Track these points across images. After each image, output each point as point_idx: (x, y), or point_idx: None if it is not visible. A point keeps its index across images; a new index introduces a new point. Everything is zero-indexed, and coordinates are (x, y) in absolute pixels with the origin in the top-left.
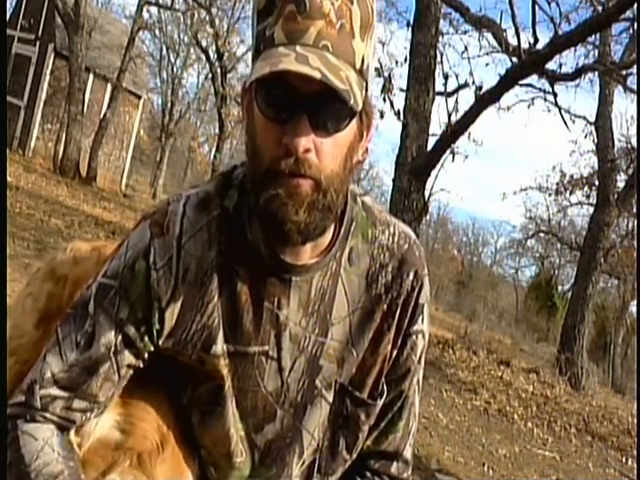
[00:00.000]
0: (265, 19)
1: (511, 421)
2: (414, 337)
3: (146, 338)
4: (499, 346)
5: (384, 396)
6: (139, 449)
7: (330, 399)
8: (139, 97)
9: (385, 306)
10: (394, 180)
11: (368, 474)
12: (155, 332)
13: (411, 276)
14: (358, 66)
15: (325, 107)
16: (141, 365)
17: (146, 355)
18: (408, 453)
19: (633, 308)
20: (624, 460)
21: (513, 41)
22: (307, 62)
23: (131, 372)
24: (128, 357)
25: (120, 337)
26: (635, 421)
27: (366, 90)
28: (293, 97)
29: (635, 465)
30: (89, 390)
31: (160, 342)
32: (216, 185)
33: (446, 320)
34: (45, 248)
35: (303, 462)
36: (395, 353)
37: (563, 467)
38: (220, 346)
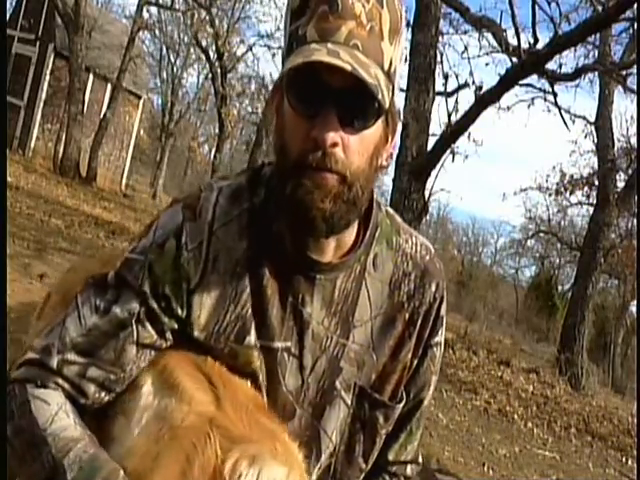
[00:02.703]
0: (298, 19)
1: (511, 421)
2: (434, 349)
3: (170, 316)
4: (499, 346)
5: (402, 402)
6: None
7: (349, 401)
8: (139, 97)
9: (407, 314)
10: (394, 180)
11: (387, 477)
12: (180, 313)
13: (433, 287)
14: (386, 68)
15: (354, 103)
16: (164, 345)
17: (169, 335)
18: (420, 456)
19: (633, 308)
20: (624, 460)
21: (513, 41)
22: (338, 56)
23: (152, 353)
24: (150, 331)
25: (144, 309)
26: (635, 421)
27: (393, 93)
28: (323, 92)
29: (635, 465)
30: (107, 356)
31: (195, 333)
32: (248, 179)
33: (446, 320)
34: (45, 248)
35: (320, 466)
36: (415, 364)
37: (563, 467)
38: (253, 337)
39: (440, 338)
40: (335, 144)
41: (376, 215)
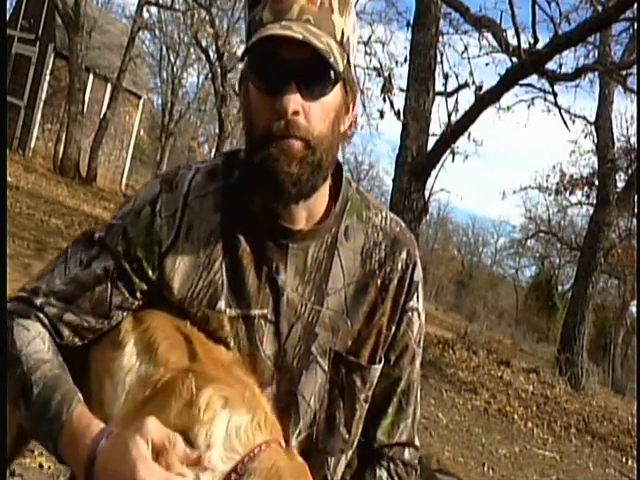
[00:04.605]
0: (254, 8)
1: (511, 421)
2: (410, 313)
3: (141, 277)
4: (499, 346)
5: (379, 365)
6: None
7: (325, 367)
8: (139, 97)
9: (379, 280)
10: (394, 180)
11: (383, 462)
12: (151, 275)
13: (404, 254)
14: (338, 38)
15: (311, 72)
16: (135, 303)
17: (139, 294)
18: (417, 440)
19: (633, 308)
20: (624, 460)
21: (513, 41)
22: (290, 29)
23: (123, 310)
24: (121, 289)
25: (117, 268)
26: (635, 421)
27: (348, 62)
28: (281, 67)
29: (635, 465)
30: (83, 305)
31: (169, 295)
32: (224, 161)
33: (446, 320)
34: (45, 248)
35: (300, 432)
36: (393, 330)
37: (563, 467)
38: (225, 302)
39: (416, 304)
40: (296, 112)
41: (346, 189)
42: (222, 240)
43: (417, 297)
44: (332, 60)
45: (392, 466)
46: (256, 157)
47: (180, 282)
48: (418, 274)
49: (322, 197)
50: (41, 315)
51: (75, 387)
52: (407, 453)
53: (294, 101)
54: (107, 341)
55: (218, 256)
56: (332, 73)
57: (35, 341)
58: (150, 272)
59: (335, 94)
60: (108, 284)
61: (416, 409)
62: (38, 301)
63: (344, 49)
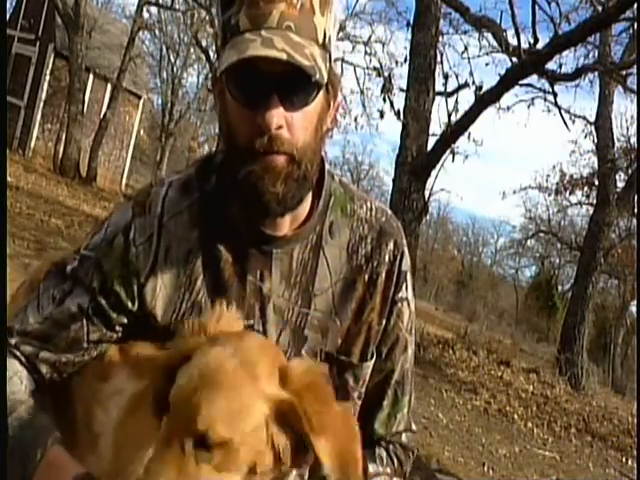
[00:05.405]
0: (229, 8)
1: (511, 421)
2: (399, 304)
3: (120, 310)
4: (499, 346)
5: (371, 361)
6: None
7: None
8: (139, 97)
9: (366, 276)
10: (394, 180)
11: (382, 443)
12: (131, 307)
13: (391, 246)
14: (321, 40)
15: (293, 84)
16: (114, 337)
17: (118, 328)
18: (413, 425)
19: (633, 308)
20: (624, 460)
21: (513, 41)
22: (273, 45)
23: (101, 347)
24: (98, 325)
25: (93, 304)
26: (635, 421)
27: (330, 61)
28: (262, 80)
29: (635, 465)
30: (60, 344)
31: (154, 322)
32: (197, 169)
33: (446, 320)
34: (45, 248)
35: None
36: (384, 323)
37: (563, 467)
38: None
39: (405, 294)
40: (280, 127)
41: (329, 184)
42: (202, 256)
43: (406, 286)
44: (317, 76)
45: (391, 447)
46: (239, 173)
47: (163, 308)
48: (406, 263)
49: (306, 200)
50: (18, 353)
51: (52, 427)
52: (404, 437)
53: (277, 116)
54: (91, 373)
55: (199, 274)
56: (315, 82)
57: (12, 381)
58: (129, 304)
59: (318, 99)
60: (84, 322)
61: (411, 397)
62: (12, 340)
63: (326, 50)
